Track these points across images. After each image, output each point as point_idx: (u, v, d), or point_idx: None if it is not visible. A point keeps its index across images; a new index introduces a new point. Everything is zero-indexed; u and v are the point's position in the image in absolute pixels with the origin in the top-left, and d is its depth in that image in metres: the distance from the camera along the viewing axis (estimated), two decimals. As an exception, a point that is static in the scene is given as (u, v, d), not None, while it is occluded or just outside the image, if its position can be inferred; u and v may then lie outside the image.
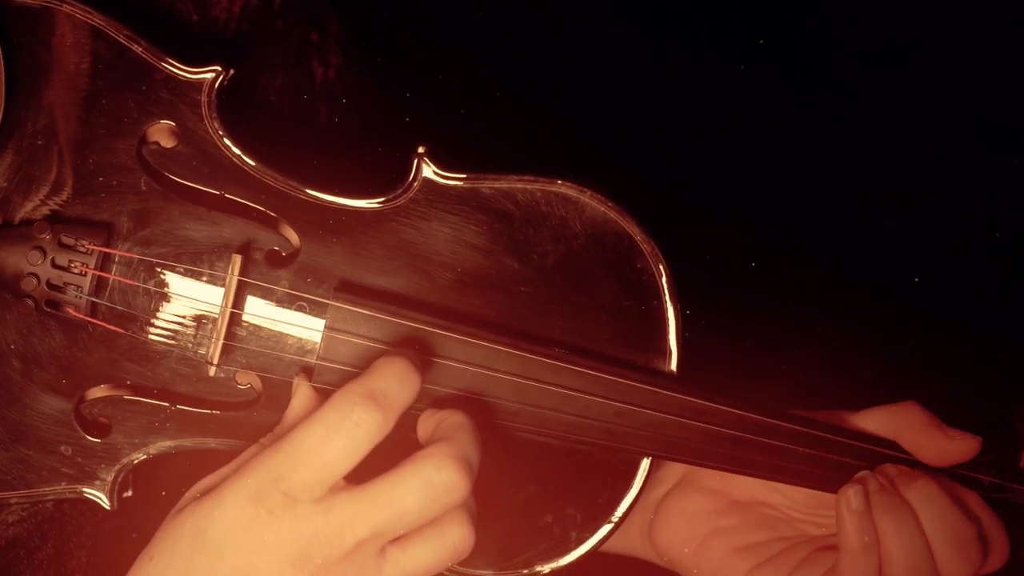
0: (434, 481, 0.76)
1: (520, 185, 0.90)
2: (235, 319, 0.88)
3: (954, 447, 0.91)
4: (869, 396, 0.98)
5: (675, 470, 1.03)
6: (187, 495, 0.82)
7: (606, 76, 1.27)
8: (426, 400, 0.87)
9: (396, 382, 0.78)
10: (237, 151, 0.88)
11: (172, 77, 0.87)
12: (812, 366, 1.26)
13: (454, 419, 0.82)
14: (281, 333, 0.88)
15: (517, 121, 1.17)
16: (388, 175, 0.89)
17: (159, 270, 0.87)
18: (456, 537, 0.79)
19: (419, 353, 0.84)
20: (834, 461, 0.92)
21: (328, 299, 0.86)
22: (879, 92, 1.33)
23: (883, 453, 0.93)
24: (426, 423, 0.85)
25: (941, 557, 0.86)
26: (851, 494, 0.88)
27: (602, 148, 1.23)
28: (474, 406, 0.86)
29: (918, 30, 1.32)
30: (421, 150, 0.89)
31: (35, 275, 0.85)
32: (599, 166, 0.94)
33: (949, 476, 0.93)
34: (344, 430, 0.76)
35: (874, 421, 0.94)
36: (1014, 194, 1.35)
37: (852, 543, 0.87)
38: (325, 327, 0.86)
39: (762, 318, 1.31)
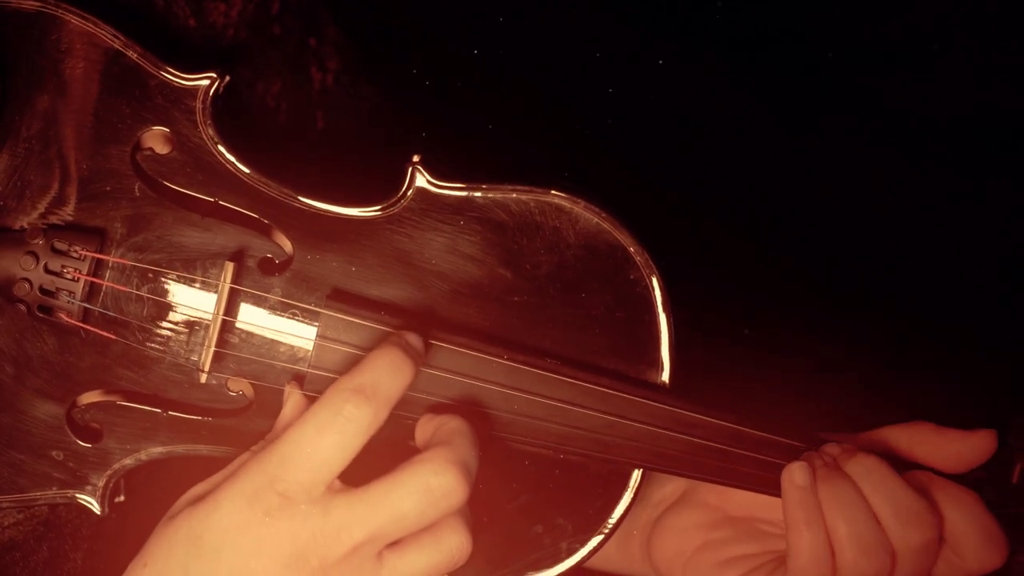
0: (432, 486, 0.76)
1: (514, 195, 0.90)
2: (227, 326, 0.88)
3: (971, 443, 0.91)
4: (862, 406, 0.97)
5: (676, 487, 1.03)
6: (179, 501, 0.82)
7: (601, 78, 1.26)
8: (418, 410, 0.87)
9: (386, 374, 0.78)
10: (231, 158, 0.88)
11: (167, 83, 0.87)
12: (805, 372, 1.25)
13: (453, 424, 0.82)
14: (273, 341, 0.88)
15: (514, 124, 1.17)
16: (383, 184, 0.89)
17: (152, 276, 0.87)
18: (453, 544, 0.78)
19: (421, 335, 0.83)
20: None
21: (320, 307, 0.86)
22: (874, 92, 1.32)
23: None
24: (424, 427, 0.84)
25: (890, 529, 0.86)
26: (796, 469, 0.88)
27: (595, 152, 1.23)
28: (466, 415, 0.86)
29: (915, 30, 1.31)
30: (416, 159, 0.89)
31: (28, 280, 0.85)
32: (592, 170, 0.94)
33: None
34: (335, 426, 0.76)
35: (885, 437, 0.94)
36: (1014, 194, 1.33)
37: (795, 518, 0.87)
38: (316, 335, 0.85)
39: (756, 323, 1.30)
